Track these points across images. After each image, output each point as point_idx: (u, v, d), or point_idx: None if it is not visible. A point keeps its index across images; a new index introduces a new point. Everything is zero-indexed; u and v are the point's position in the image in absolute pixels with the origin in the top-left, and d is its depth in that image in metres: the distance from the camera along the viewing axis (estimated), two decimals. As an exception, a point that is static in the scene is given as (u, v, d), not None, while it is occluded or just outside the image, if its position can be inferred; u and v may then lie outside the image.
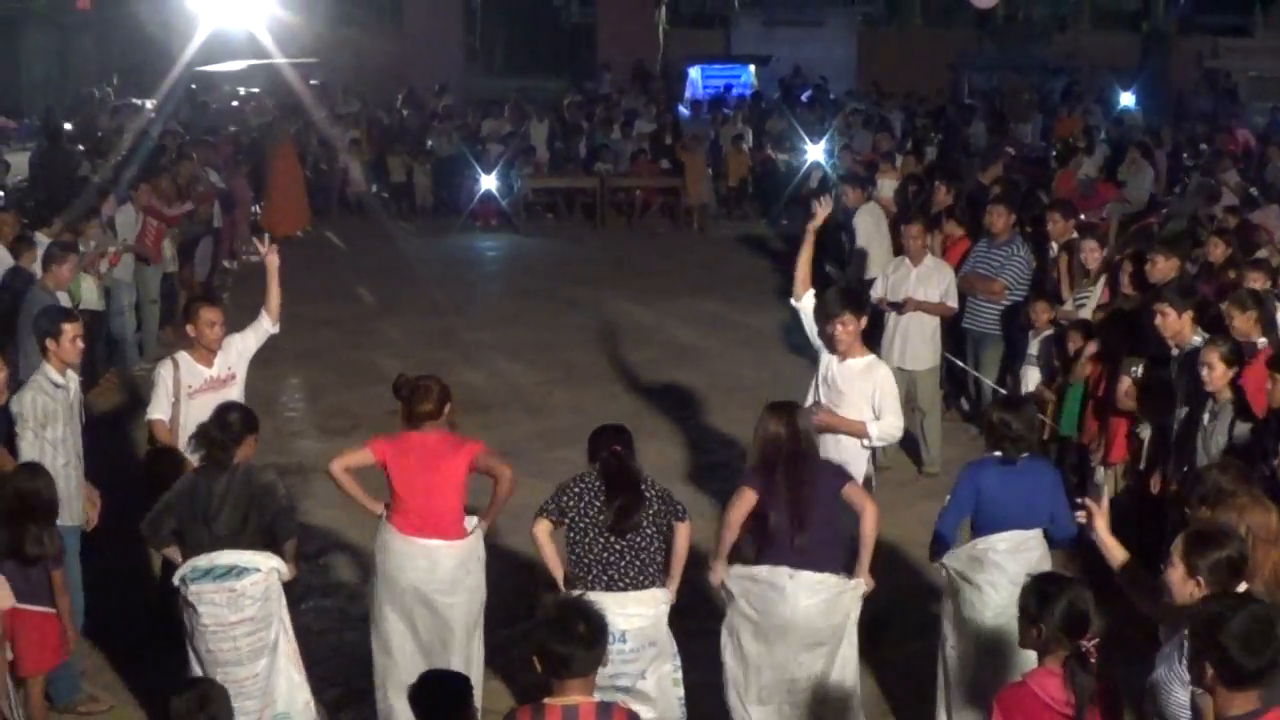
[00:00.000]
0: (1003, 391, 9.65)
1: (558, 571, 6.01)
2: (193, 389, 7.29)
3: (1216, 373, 6.58)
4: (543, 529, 5.98)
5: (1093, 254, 9.38)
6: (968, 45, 30.02)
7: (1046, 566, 5.75)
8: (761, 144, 22.00)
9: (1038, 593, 4.30)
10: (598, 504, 5.88)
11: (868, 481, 6.97)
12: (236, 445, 6.09)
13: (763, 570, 5.92)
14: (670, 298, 15.08)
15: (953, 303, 9.80)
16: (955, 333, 10.53)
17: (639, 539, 5.88)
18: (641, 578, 5.86)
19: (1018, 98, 24.83)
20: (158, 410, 7.26)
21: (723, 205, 21.44)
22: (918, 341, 9.72)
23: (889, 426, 6.99)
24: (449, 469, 6.19)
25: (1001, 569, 5.81)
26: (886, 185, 14.06)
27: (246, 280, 16.14)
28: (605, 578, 5.83)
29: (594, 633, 4.12)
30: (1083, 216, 11.45)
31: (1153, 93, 25.37)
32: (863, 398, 6.99)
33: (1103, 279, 9.19)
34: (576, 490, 5.95)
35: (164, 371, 7.32)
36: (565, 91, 26.27)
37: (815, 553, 5.84)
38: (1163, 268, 8.28)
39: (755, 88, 27.05)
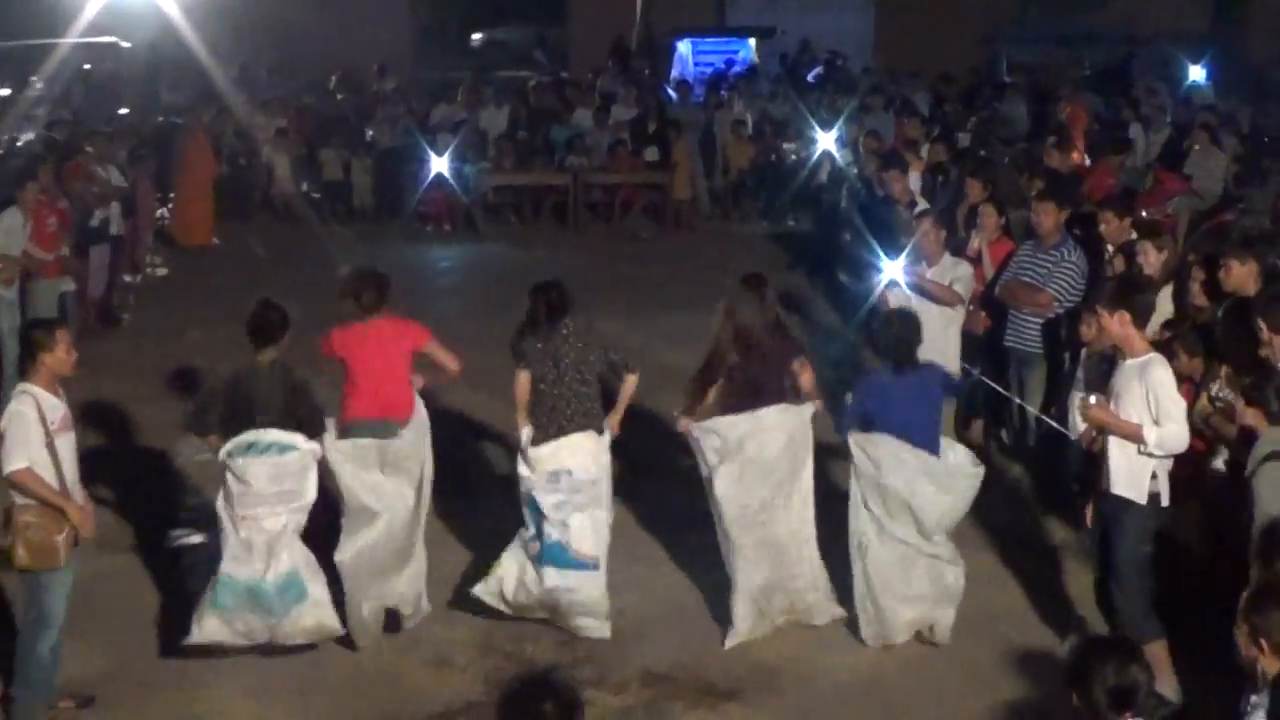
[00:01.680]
0: (1050, 423, 9.64)
1: (522, 415, 8.37)
2: (54, 426, 7.18)
3: None
4: (523, 379, 8.37)
5: (1154, 258, 9.42)
6: (1005, 14, 30.23)
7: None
8: (763, 131, 22.32)
9: (1082, 657, 4.51)
10: (540, 349, 8.21)
11: (1154, 499, 7.25)
12: (281, 337, 7.92)
13: (722, 422, 8.03)
14: (658, 313, 15.16)
15: (964, 294, 10.11)
16: (994, 352, 10.60)
17: (580, 385, 8.19)
18: (585, 420, 8.19)
19: (1065, 75, 24.98)
20: (21, 457, 7.03)
21: (718, 203, 21.65)
22: (925, 347, 9.89)
23: (1170, 436, 7.07)
24: (394, 352, 8.27)
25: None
26: (911, 179, 14.19)
27: (150, 297, 16.33)
28: (554, 425, 8.14)
29: (563, 713, 4.15)
30: (1143, 214, 11.51)
31: (1227, 65, 25.38)
32: (1139, 400, 7.19)
33: (1168, 288, 9.19)
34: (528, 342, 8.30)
35: (23, 409, 7.08)
36: (531, 44, 26.09)
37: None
38: (1239, 274, 8.26)
39: (756, 65, 27.24)
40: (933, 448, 7.98)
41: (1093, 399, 7.34)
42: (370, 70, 25.19)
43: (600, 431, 8.35)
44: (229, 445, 7.71)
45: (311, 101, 23.55)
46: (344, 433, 8.16)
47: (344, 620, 7.97)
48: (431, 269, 18.56)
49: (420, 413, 8.44)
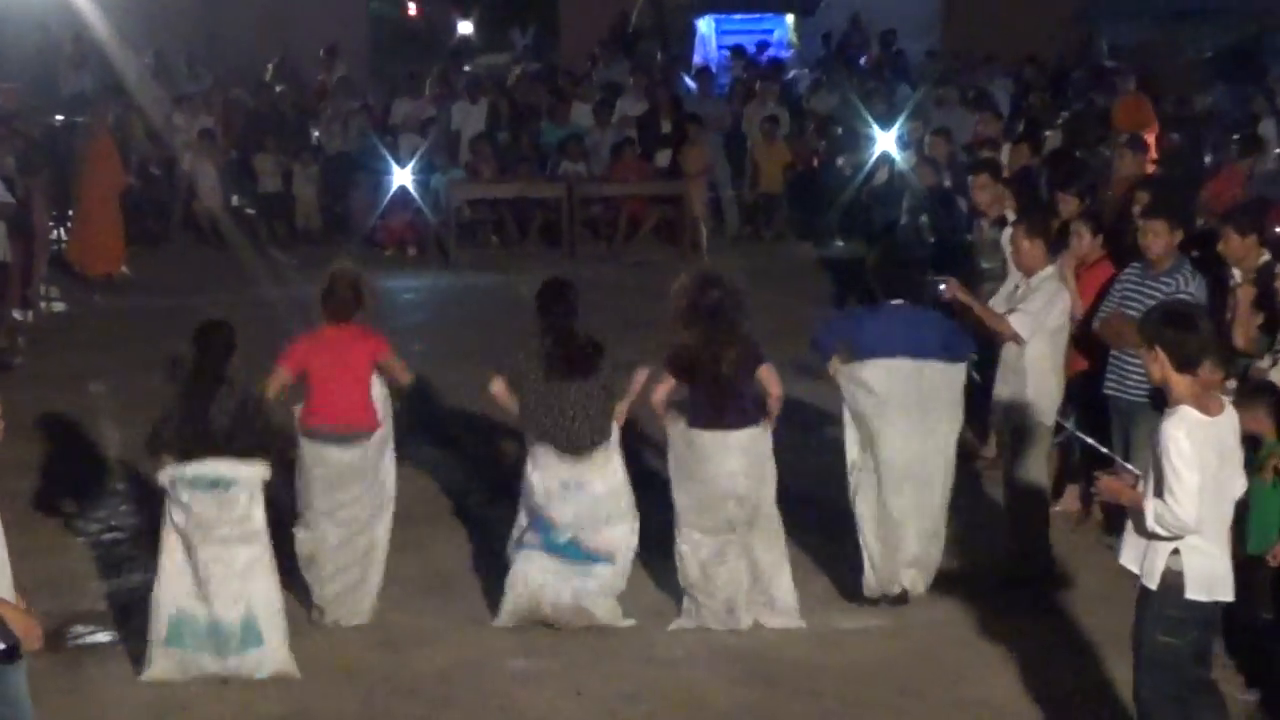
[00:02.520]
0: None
1: (515, 410, 9.67)
2: None
3: None
4: (498, 384, 9.65)
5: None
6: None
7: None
8: (803, 130, 22.43)
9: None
10: (544, 362, 9.47)
11: (1172, 587, 7.20)
12: (229, 358, 8.97)
13: (698, 435, 9.38)
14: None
15: (1024, 333, 10.11)
16: (1091, 401, 10.65)
17: (587, 400, 9.46)
18: (596, 436, 9.47)
19: (1179, 59, 25.10)
20: None
21: (747, 221, 21.76)
22: (1016, 386, 10.27)
23: (1165, 514, 7.02)
24: (356, 359, 9.61)
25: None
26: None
27: (46, 339, 16.34)
28: (562, 436, 9.42)
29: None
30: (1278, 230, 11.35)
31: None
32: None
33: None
34: (526, 353, 9.54)
35: None
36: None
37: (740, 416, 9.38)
38: None
39: (795, 47, 27.55)
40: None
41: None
42: (315, 57, 25.35)
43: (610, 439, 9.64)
44: (171, 473, 8.84)
45: (242, 96, 23.74)
46: (307, 438, 9.56)
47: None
48: (392, 305, 17.80)
49: (385, 425, 9.77)
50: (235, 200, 21.38)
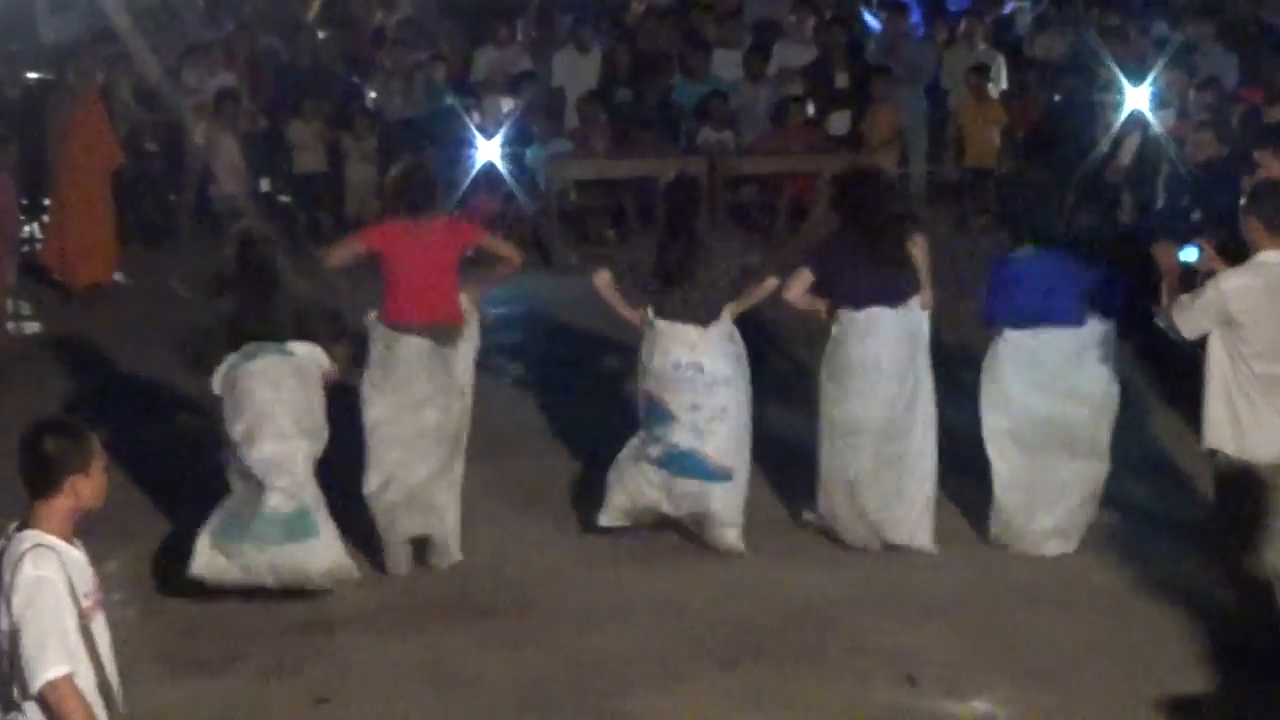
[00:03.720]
0: None
1: (623, 308, 12.56)
2: (87, 602, 7.14)
3: None
4: (603, 278, 12.54)
5: None
6: None
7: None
8: (1025, 84, 22.51)
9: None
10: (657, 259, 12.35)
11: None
12: (274, 266, 11.53)
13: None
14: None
15: None
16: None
17: (709, 287, 12.20)
18: (708, 314, 12.14)
19: None
20: (63, 659, 6.91)
21: (952, 202, 21.88)
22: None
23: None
24: (448, 257, 11.98)
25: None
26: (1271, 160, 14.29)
27: (17, 372, 16.54)
28: (679, 306, 12.14)
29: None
30: None
31: None
32: None
33: None
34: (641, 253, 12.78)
35: (49, 573, 6.96)
36: None
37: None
38: None
39: None
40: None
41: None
42: None
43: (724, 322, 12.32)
44: (223, 367, 11.37)
45: (274, 44, 23.65)
46: (389, 330, 11.93)
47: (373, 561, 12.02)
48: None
49: (472, 325, 12.18)
50: (265, 184, 21.58)
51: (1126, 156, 19.40)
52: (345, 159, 21.77)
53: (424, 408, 11.86)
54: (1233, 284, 10.18)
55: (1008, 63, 23.03)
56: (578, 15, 24.05)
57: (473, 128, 20.80)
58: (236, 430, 11.26)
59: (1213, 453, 10.52)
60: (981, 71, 22.18)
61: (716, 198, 21.01)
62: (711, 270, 12.26)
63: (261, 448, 11.15)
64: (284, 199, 21.94)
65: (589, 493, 12.99)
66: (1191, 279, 10.72)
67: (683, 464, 12.15)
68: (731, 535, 12.26)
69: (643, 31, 23.95)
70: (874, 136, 21.35)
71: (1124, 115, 19.85)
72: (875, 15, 25.13)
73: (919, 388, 12.33)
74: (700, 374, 12.09)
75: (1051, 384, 12.17)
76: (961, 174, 22.23)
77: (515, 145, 20.80)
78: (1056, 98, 22.20)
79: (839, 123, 21.93)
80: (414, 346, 11.82)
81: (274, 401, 11.22)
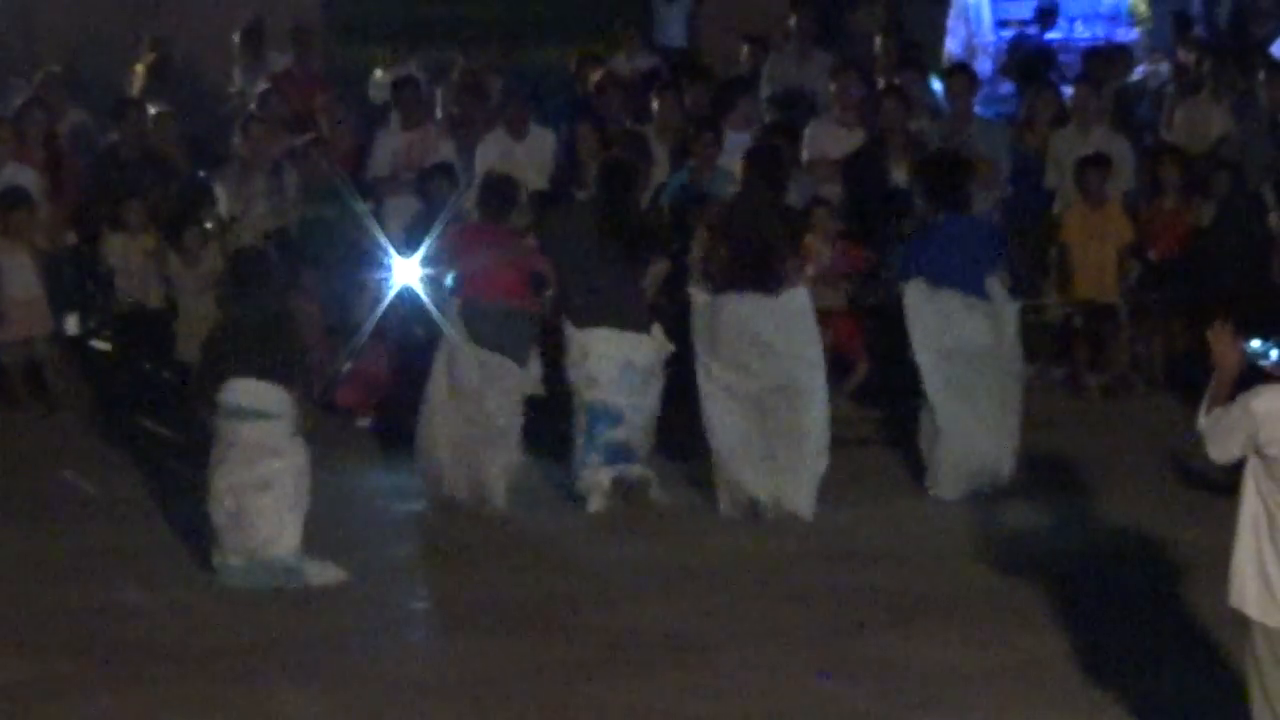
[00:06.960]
0: None
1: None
2: None
3: None
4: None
5: None
6: None
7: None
8: (1161, 181, 20.03)
9: None
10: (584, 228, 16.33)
11: None
12: (264, 284, 14.69)
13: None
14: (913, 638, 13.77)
15: None
16: None
17: (621, 280, 15.72)
18: (640, 318, 15.67)
19: None
20: None
21: (1050, 361, 19.67)
22: None
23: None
24: (513, 257, 16.05)
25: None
26: None
27: None
28: (604, 313, 15.73)
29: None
30: None
31: None
32: None
33: None
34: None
35: None
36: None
37: None
38: None
39: (1144, 24, 26.85)
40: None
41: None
42: (221, 43, 24.51)
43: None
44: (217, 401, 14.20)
45: (85, 124, 21.69)
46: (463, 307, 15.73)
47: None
48: (377, 517, 16.36)
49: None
50: (73, 324, 19.43)
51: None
52: (179, 285, 19.47)
53: (490, 372, 15.41)
54: (1265, 407, 10.03)
55: (1135, 150, 20.13)
56: (508, 84, 22.58)
57: (378, 239, 18.53)
58: (221, 473, 13.99)
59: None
60: (1097, 165, 18.81)
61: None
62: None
63: (247, 493, 13.94)
64: (100, 345, 19.73)
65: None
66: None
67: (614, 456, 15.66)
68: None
69: (603, 99, 21.08)
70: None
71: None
72: (945, 80, 22.64)
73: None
74: (632, 369, 15.58)
75: None
76: (1069, 312, 19.49)
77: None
78: (1209, 201, 19.38)
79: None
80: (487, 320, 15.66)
81: (261, 450, 14.12)
